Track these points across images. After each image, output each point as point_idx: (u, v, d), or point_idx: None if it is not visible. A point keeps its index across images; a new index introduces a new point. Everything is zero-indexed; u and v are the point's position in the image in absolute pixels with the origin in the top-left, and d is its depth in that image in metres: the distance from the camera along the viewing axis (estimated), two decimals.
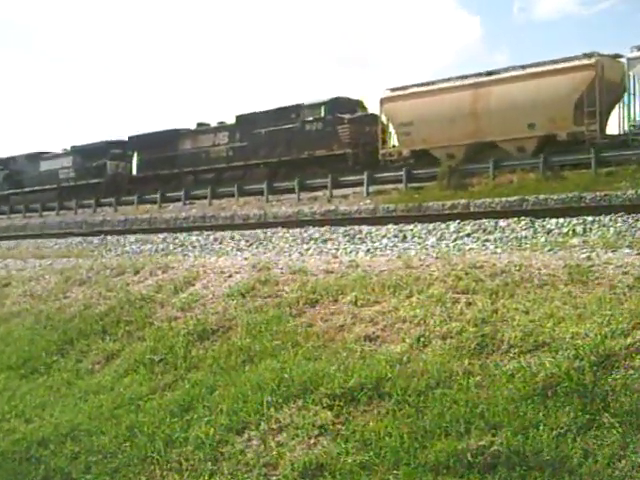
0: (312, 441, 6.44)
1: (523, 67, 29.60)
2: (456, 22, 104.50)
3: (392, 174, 30.54)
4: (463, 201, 23.76)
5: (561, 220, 14.94)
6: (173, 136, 42.35)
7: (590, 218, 14.72)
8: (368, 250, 13.96)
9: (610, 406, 5.83)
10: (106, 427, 7.83)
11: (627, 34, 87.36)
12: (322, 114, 35.31)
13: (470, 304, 7.94)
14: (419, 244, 14.28)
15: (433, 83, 32.31)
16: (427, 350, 7.33)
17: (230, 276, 10.79)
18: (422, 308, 8.05)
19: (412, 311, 8.06)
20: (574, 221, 14.68)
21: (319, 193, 31.57)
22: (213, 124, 41.90)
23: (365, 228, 17.44)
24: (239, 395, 7.33)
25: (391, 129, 33.38)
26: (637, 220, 14.15)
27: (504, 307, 7.66)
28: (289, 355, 7.87)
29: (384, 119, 33.51)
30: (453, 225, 16.19)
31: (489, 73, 30.73)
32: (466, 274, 8.73)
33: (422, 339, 7.52)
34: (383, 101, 33.32)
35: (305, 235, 18.01)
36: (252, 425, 6.88)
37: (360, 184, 30.52)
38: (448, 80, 31.81)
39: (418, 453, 5.93)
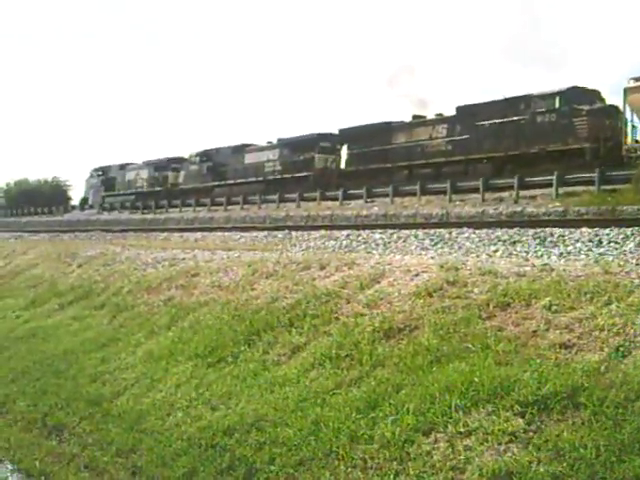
0: (502, 448, 6.37)
1: None
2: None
3: (584, 175, 29.46)
4: None
5: None
6: (386, 129, 41.79)
7: None
8: (561, 254, 13.58)
9: None
10: (291, 419, 8.06)
11: None
12: (557, 105, 33.32)
13: None
14: (616, 249, 13.71)
15: None
16: (626, 361, 7.07)
17: (417, 275, 10.79)
18: (622, 317, 7.76)
19: (611, 319, 7.78)
20: None
21: (504, 194, 30.97)
22: (430, 116, 41.16)
23: (557, 231, 16.95)
24: (426, 396, 7.35)
25: (636, 122, 30.96)
26: None
27: None
28: (478, 358, 7.79)
29: (628, 111, 31.07)
30: None
31: None
32: None
33: (621, 349, 7.26)
34: (628, 91, 30.86)
35: (492, 236, 17.74)
36: (439, 427, 6.88)
37: (548, 185, 29.70)
38: None
39: (615, 467, 5.75)
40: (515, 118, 34.43)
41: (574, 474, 5.83)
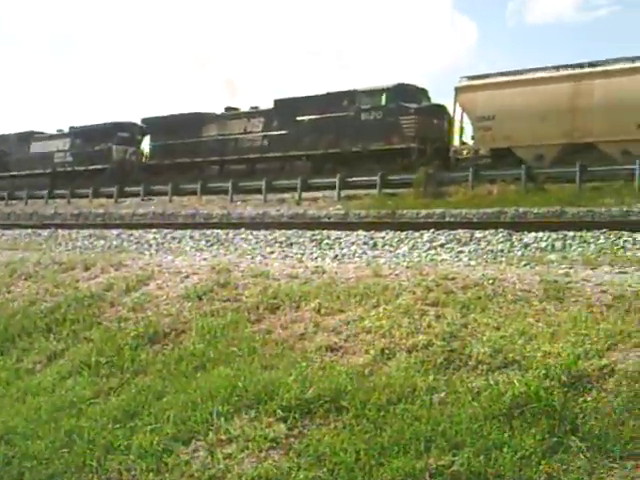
0: (262, 454, 6.42)
1: (633, 60, 27.97)
2: (449, 25, 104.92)
3: (365, 178, 30.53)
4: (439, 210, 23.86)
5: (540, 234, 15.09)
6: (196, 120, 40.19)
7: (571, 233, 14.88)
8: (336, 256, 13.99)
9: (579, 430, 5.87)
10: (43, 431, 7.73)
11: (625, 42, 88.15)
12: (383, 102, 33.24)
13: (439, 317, 7.97)
14: (390, 252, 14.32)
15: (520, 72, 30.51)
16: (391, 363, 7.35)
17: (187, 277, 10.75)
18: (389, 319, 8.07)
19: (378, 322, 8.07)
20: (553, 236, 14.83)
21: (287, 195, 31.55)
22: (244, 109, 40.04)
23: (334, 234, 17.46)
24: (188, 403, 7.29)
25: (466, 123, 31.77)
26: (619, 237, 14.32)
27: (475, 321, 7.69)
28: (244, 363, 7.84)
29: (458, 111, 31.83)
30: (427, 234, 16.27)
31: (592, 64, 29.00)
32: (437, 285, 8.76)
33: (386, 351, 7.53)
34: (459, 91, 31.55)
35: (270, 238, 18.00)
36: (200, 435, 6.84)
37: (331, 187, 30.56)
38: (540, 70, 30.09)
39: (374, 471, 5.93)
40: (338, 114, 34.10)
41: (333, 479, 5.98)
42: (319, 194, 30.70)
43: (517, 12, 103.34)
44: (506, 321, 7.58)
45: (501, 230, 15.97)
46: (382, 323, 8.01)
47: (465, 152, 31.98)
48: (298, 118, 35.69)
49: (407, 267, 10.27)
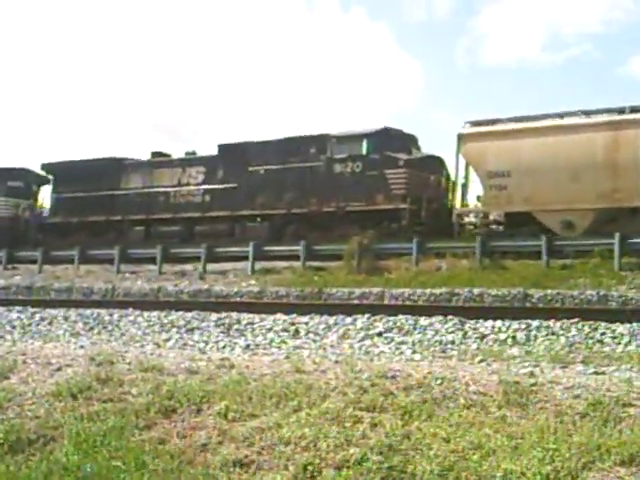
0: None
1: None
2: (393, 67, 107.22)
3: (285, 248, 30.67)
4: (376, 289, 24.01)
5: (499, 323, 15.27)
6: (114, 168, 39.23)
7: (536, 323, 15.09)
8: (248, 346, 13.96)
9: None
10: None
11: (599, 86, 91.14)
12: (363, 150, 32.67)
13: (376, 425, 7.96)
14: (315, 342, 14.32)
15: (543, 118, 30.36)
16: None
17: (59, 369, 10.58)
18: (313, 427, 8.01)
19: (299, 430, 8.00)
20: (515, 325, 15.01)
21: (188, 267, 31.44)
22: (177, 155, 39.24)
23: (246, 317, 17.43)
24: None
25: (473, 179, 31.28)
26: (595, 329, 14.58)
27: (419, 431, 7.69)
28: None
29: (462, 164, 31.50)
30: (361, 320, 16.33)
31: (634, 109, 28.65)
32: (373, 385, 8.77)
33: (310, 468, 7.46)
34: (463, 139, 31.26)
35: (165, 321, 17.86)
36: None
37: (244, 258, 30.57)
38: (568, 115, 29.96)
39: None
40: (304, 164, 33.68)
41: None
42: (228, 266, 30.65)
43: (469, 51, 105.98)
44: (458, 431, 7.60)
45: (451, 317, 16.11)
46: (304, 432, 7.95)
47: (472, 216, 31.74)
48: (251, 168, 35.23)
49: (336, 362, 10.27)
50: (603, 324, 14.76)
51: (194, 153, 38.98)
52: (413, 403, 8.26)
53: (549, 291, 21.54)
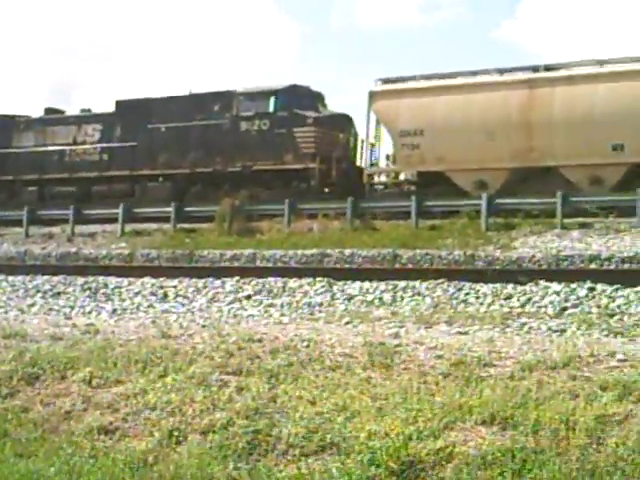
0: None
1: (601, 63, 27.89)
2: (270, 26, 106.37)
3: (155, 210, 30.37)
4: (247, 251, 23.99)
5: (367, 284, 15.44)
6: (4, 126, 37.55)
7: (402, 283, 15.32)
8: (114, 311, 13.86)
9: None
10: None
11: (475, 49, 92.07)
12: (270, 108, 31.88)
13: (242, 389, 8.00)
14: (184, 306, 14.31)
15: (457, 75, 29.76)
16: (181, 449, 7.29)
17: None
18: (179, 392, 8.02)
19: (165, 396, 8.01)
20: (382, 286, 15.21)
21: (56, 229, 30.89)
22: (71, 112, 37.54)
23: (114, 281, 17.29)
24: None
25: (385, 138, 30.77)
26: (460, 289, 14.86)
27: (285, 394, 7.76)
28: None
29: (373, 120, 30.93)
30: (230, 283, 16.36)
31: (548, 68, 28.53)
32: (239, 349, 8.82)
33: (176, 433, 7.47)
34: (374, 96, 30.51)
35: (30, 285, 17.59)
36: None
37: (114, 220, 30.17)
38: (481, 73, 29.50)
39: None
40: (208, 122, 32.73)
41: None
42: (98, 228, 30.24)
43: (345, 14, 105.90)
44: (323, 393, 7.69)
45: (320, 279, 16.24)
46: (170, 397, 7.96)
47: (383, 176, 31.36)
48: (150, 126, 34.01)
49: (203, 326, 10.29)
50: (468, 284, 15.07)
51: (89, 111, 37.51)
52: (279, 366, 8.33)
53: (418, 251, 21.82)
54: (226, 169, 32.25)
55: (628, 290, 13.83)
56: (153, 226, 29.68)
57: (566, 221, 24.20)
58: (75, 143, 36.16)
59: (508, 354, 8.40)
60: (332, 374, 8.10)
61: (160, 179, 33.80)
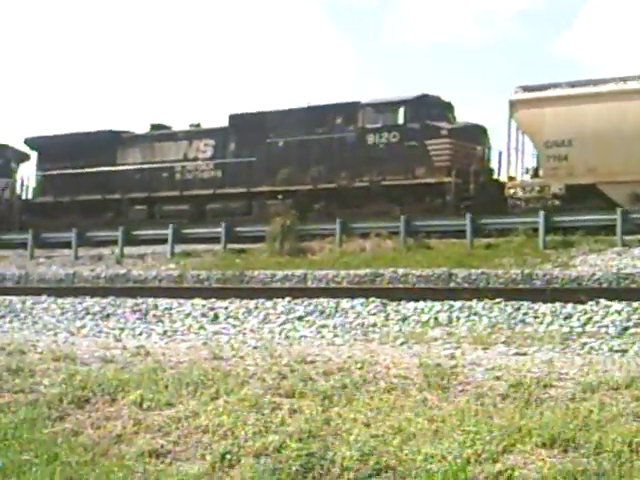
0: None
1: None
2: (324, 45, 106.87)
3: (206, 230, 30.53)
4: (299, 272, 24.05)
5: (421, 304, 15.40)
6: (108, 142, 36.88)
7: (458, 304, 15.25)
8: (165, 332, 13.93)
9: None
10: None
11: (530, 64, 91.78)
12: (400, 119, 31.15)
13: (295, 411, 7.99)
14: (235, 327, 14.36)
15: (606, 82, 28.81)
16: (234, 472, 7.28)
17: None
18: (231, 415, 8.02)
19: (217, 418, 8.01)
20: (437, 306, 15.17)
21: (105, 251, 31.15)
22: (178, 127, 36.85)
23: (164, 302, 17.39)
24: None
25: (529, 149, 30.11)
26: (518, 309, 14.77)
27: (339, 417, 7.74)
28: (44, 474, 7.62)
29: (514, 132, 29.90)
30: (282, 304, 16.40)
31: None
32: (292, 371, 8.81)
33: (228, 457, 7.46)
34: (516, 105, 29.73)
35: (80, 307, 17.72)
36: None
37: (163, 241, 30.38)
38: (632, 79, 28.44)
39: None
40: (331, 135, 32.11)
41: None
42: (147, 249, 30.46)
43: (394, 28, 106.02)
44: (378, 416, 7.65)
45: (374, 299, 16.23)
46: (222, 420, 7.96)
47: (527, 190, 29.82)
48: (269, 140, 33.35)
49: (255, 347, 10.30)
50: (526, 304, 14.97)
51: (199, 125, 36.87)
52: (333, 388, 8.31)
53: (473, 271, 21.74)
54: (352, 184, 31.54)
55: None
56: (203, 247, 29.81)
57: (626, 238, 23.95)
58: (186, 159, 35.60)
59: (568, 375, 8.32)
60: (387, 396, 8.06)
61: (279, 196, 32.81)
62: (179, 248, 30.03)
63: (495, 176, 31.93)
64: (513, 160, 30.48)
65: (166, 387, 8.77)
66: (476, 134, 31.41)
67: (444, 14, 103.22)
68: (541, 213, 25.12)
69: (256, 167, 33.32)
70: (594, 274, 19.56)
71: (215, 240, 29.87)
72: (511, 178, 30.54)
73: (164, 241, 30.25)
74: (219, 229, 29.81)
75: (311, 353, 9.49)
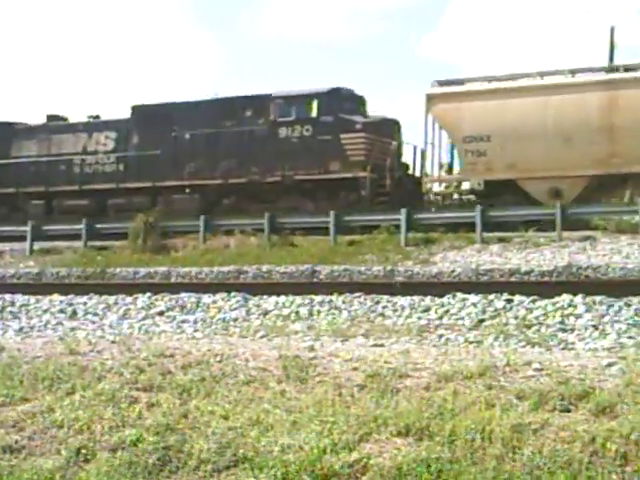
0: None
1: None
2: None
3: (67, 227, 30.07)
4: (162, 269, 23.88)
5: (282, 299, 15.48)
6: (1, 134, 35.44)
7: (319, 298, 15.37)
8: (21, 329, 13.79)
9: None
10: None
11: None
12: (313, 112, 30.57)
13: (153, 405, 7.97)
14: (94, 323, 14.27)
15: (527, 76, 28.68)
16: (90, 466, 7.22)
17: None
18: (87, 409, 7.96)
19: (73, 413, 7.93)
20: (298, 300, 15.26)
21: None
22: (77, 119, 35.47)
23: (21, 299, 17.14)
24: None
25: (445, 144, 29.95)
26: (378, 302, 14.95)
27: (197, 410, 7.74)
28: None
29: (430, 126, 29.65)
30: (142, 299, 16.33)
31: (628, 68, 27.73)
32: (150, 365, 8.78)
33: (84, 451, 7.40)
34: (433, 99, 29.41)
35: None
36: None
37: (23, 238, 29.80)
38: (551, 74, 28.52)
39: None
40: (241, 128, 31.34)
41: None
42: (5, 246, 29.86)
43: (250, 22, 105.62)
44: (236, 408, 7.68)
45: (235, 294, 16.25)
46: (78, 415, 7.88)
47: (437, 185, 29.96)
48: (175, 133, 32.36)
49: (113, 342, 10.22)
50: (385, 297, 15.16)
51: (98, 117, 35.78)
52: (191, 381, 8.31)
53: (336, 267, 21.89)
54: (264, 179, 30.97)
55: (546, 301, 13.98)
56: (63, 244, 29.36)
57: (485, 235, 24.45)
58: (85, 152, 34.38)
59: (424, 365, 8.46)
60: (246, 388, 8.10)
61: (187, 190, 32.27)
62: (38, 245, 29.48)
63: (410, 171, 31.89)
64: (429, 155, 30.50)
65: (21, 382, 8.66)
66: (390, 128, 31.18)
67: (318, 11, 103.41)
68: (403, 211, 25.26)
69: (161, 161, 32.36)
70: (454, 270, 19.88)
71: (77, 237, 29.42)
72: (426, 174, 30.61)
73: (24, 238, 29.67)
74: (80, 226, 29.36)
75: (170, 347, 9.46)
